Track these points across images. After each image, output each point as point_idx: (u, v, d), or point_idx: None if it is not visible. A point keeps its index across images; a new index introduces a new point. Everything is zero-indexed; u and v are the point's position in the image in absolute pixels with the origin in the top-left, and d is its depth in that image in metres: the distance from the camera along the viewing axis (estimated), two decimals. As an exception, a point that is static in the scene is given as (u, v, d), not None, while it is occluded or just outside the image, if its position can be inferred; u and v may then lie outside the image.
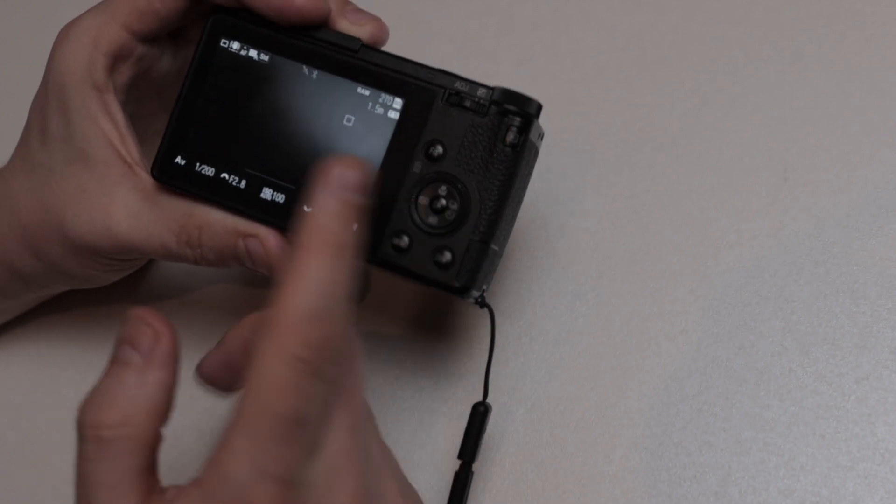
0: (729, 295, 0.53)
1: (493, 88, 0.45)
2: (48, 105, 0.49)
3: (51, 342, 0.58)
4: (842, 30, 0.58)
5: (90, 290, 0.58)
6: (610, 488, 0.51)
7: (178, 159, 0.47)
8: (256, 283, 0.58)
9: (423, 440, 0.54)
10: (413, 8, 0.61)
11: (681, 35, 0.59)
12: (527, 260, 0.56)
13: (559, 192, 0.56)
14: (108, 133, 0.48)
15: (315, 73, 0.46)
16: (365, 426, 0.41)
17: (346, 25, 0.47)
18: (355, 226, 0.38)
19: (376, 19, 0.48)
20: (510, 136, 0.45)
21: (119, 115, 0.49)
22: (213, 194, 0.47)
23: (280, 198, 0.46)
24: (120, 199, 0.48)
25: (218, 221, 0.48)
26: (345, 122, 0.46)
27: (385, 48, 0.47)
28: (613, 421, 0.52)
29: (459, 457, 0.51)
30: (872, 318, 0.52)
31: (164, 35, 0.50)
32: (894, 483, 0.50)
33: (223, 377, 0.42)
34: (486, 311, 0.49)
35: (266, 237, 0.47)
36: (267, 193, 0.46)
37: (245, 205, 0.47)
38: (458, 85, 0.45)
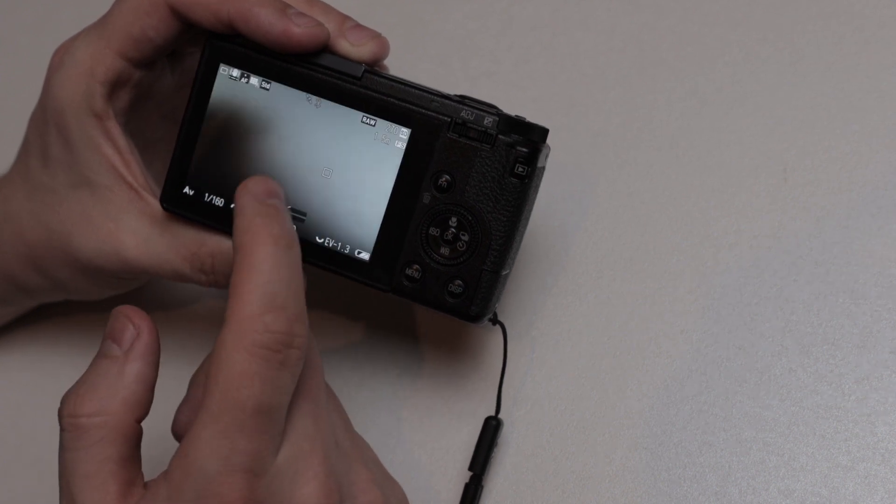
0: (729, 295, 0.54)
1: (498, 116, 0.45)
2: (48, 130, 0.49)
3: (51, 343, 0.58)
4: (841, 30, 0.58)
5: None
6: (610, 488, 0.51)
7: (187, 189, 0.47)
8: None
9: (430, 447, 0.54)
10: (413, 8, 0.61)
11: (680, 35, 0.59)
12: (526, 260, 0.56)
13: (559, 192, 0.56)
14: (111, 159, 0.48)
15: (319, 102, 0.46)
16: (330, 415, 0.42)
17: (347, 47, 0.46)
18: (287, 222, 0.39)
19: (377, 37, 0.47)
20: (518, 168, 0.45)
21: (122, 141, 0.49)
22: (224, 225, 0.47)
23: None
24: (128, 225, 0.48)
25: (230, 250, 0.47)
26: (350, 151, 0.46)
27: (394, 76, 0.47)
28: (613, 421, 0.52)
29: (470, 468, 0.51)
30: (872, 318, 0.52)
31: (161, 58, 0.49)
32: (894, 483, 0.50)
33: None
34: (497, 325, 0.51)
35: None
36: None
37: None
38: (463, 114, 0.45)
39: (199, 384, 0.42)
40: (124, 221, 0.48)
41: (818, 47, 0.57)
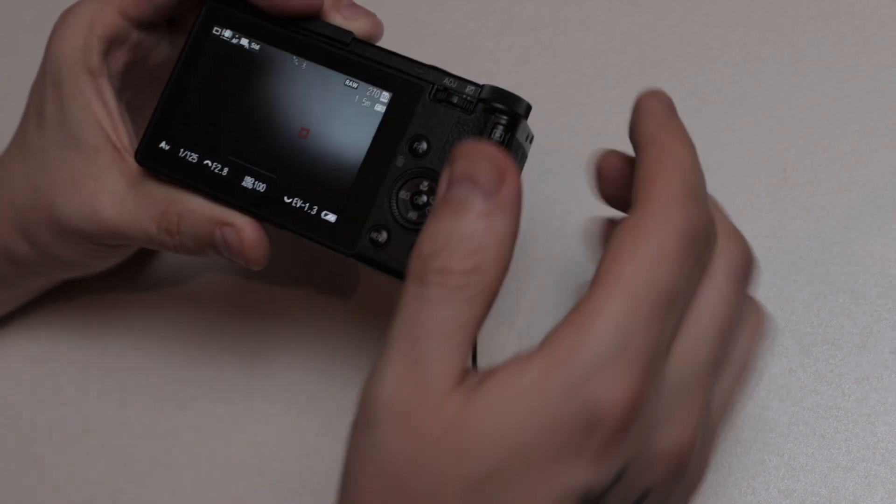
0: (729, 295, 0.54)
1: (482, 86, 0.45)
2: (44, 89, 0.49)
3: (51, 343, 0.58)
4: (841, 30, 0.58)
5: (87, 285, 0.58)
6: (610, 488, 0.51)
7: (163, 144, 0.47)
8: (253, 275, 0.58)
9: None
10: (412, 8, 0.61)
11: (680, 35, 0.59)
12: (526, 260, 0.56)
13: (558, 192, 0.56)
14: (100, 118, 0.49)
15: (304, 64, 0.46)
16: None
17: (340, 20, 0.47)
18: None
19: (370, 15, 0.48)
20: (496, 134, 0.44)
21: (112, 101, 0.49)
22: (195, 180, 0.47)
23: (261, 187, 0.46)
24: (107, 185, 0.49)
25: (197, 209, 0.47)
26: (330, 113, 0.46)
27: (382, 46, 0.47)
28: (613, 421, 0.52)
29: None
30: (872, 318, 0.52)
31: (160, 22, 0.50)
32: (894, 483, 0.50)
33: (616, 183, 0.41)
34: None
35: (243, 227, 0.47)
36: (248, 182, 0.46)
37: (226, 192, 0.46)
38: (446, 81, 0.45)
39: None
40: (105, 182, 0.49)
41: (818, 47, 0.57)
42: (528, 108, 0.45)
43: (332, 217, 0.45)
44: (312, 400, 0.55)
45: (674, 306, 0.35)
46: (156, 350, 0.57)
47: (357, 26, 0.47)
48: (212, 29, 0.47)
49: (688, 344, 0.37)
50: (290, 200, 0.46)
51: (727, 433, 0.51)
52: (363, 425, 0.36)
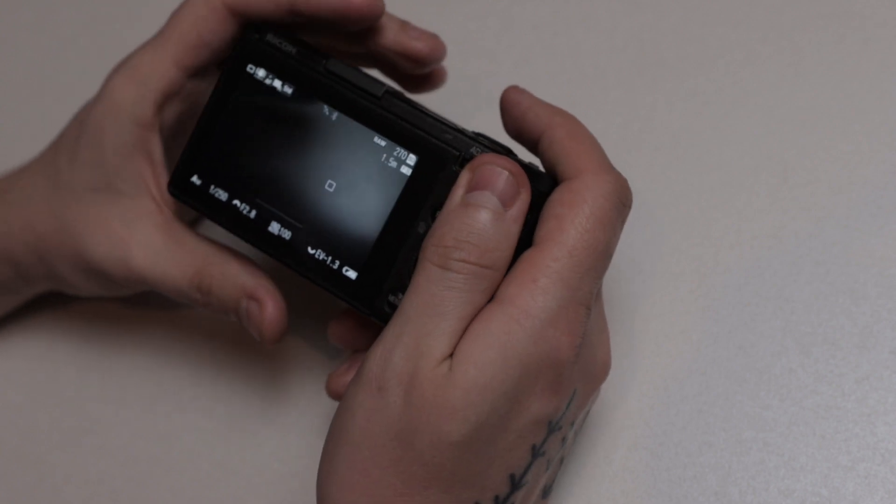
0: (729, 295, 0.54)
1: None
2: (84, 131, 0.49)
3: (51, 344, 0.58)
4: (841, 30, 0.58)
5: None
6: (610, 488, 0.51)
7: (195, 178, 0.47)
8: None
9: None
10: (412, 8, 0.61)
11: (680, 35, 0.59)
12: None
13: (559, 192, 0.56)
14: (141, 170, 0.49)
15: (335, 115, 0.45)
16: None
17: (405, 38, 0.49)
18: None
19: (434, 37, 0.50)
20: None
21: (158, 154, 0.49)
22: (223, 218, 0.47)
23: (286, 234, 0.46)
24: (141, 235, 0.49)
25: (232, 275, 0.48)
26: (357, 169, 0.45)
27: (415, 101, 0.47)
28: (613, 421, 0.52)
29: None
30: (872, 318, 0.52)
31: (213, 66, 0.50)
32: (894, 483, 0.50)
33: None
34: None
35: (266, 304, 0.48)
36: (274, 228, 0.46)
37: (252, 234, 0.46)
38: (473, 150, 0.44)
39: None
40: (138, 231, 0.49)
41: (818, 47, 0.57)
42: (554, 184, 0.44)
43: (352, 274, 0.45)
44: (312, 400, 0.55)
45: (607, 259, 0.43)
46: (156, 350, 0.57)
47: (420, 45, 0.49)
48: (246, 66, 0.46)
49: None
50: (313, 252, 0.46)
51: (727, 433, 0.51)
52: (372, 388, 0.41)
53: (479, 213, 0.42)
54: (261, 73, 0.46)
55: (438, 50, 0.50)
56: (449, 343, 0.41)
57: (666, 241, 0.55)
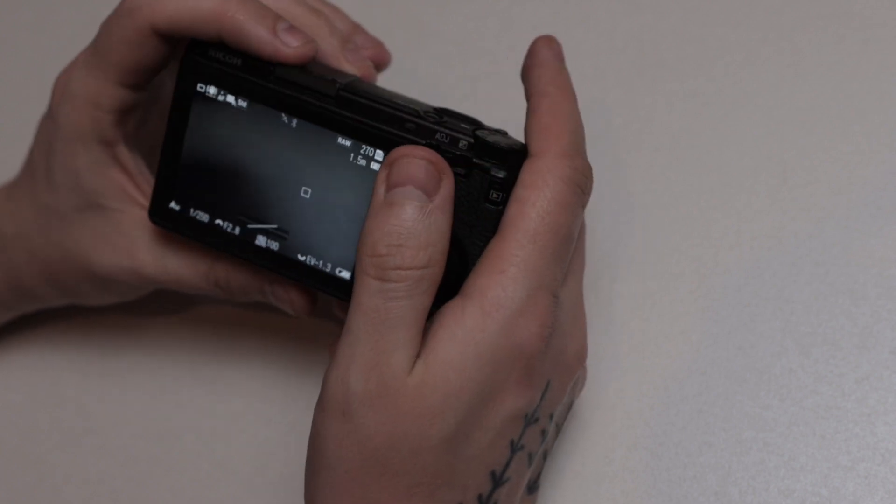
0: (729, 295, 0.54)
1: (474, 138, 0.43)
2: (53, 157, 0.49)
3: (51, 344, 0.58)
4: (841, 31, 0.58)
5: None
6: (610, 488, 0.51)
7: (173, 204, 0.47)
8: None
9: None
10: (412, 9, 0.61)
11: (680, 36, 0.59)
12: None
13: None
14: (120, 183, 0.48)
15: (294, 122, 0.45)
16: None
17: (345, 65, 0.47)
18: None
19: (377, 48, 0.50)
20: (493, 195, 0.43)
21: (131, 163, 0.49)
22: (209, 239, 0.47)
23: (274, 245, 0.46)
24: (142, 243, 0.49)
25: (242, 266, 0.48)
26: (328, 172, 0.45)
27: (373, 88, 0.46)
28: (613, 421, 0.52)
29: None
30: (872, 318, 0.52)
31: (164, 68, 0.48)
32: (894, 483, 0.50)
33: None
34: None
35: (288, 284, 0.48)
36: (261, 241, 0.46)
37: (242, 250, 0.46)
38: (438, 136, 0.43)
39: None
40: (138, 239, 0.49)
41: (818, 47, 0.57)
42: (523, 156, 0.43)
43: (346, 274, 0.45)
44: (312, 400, 0.55)
45: (570, 243, 0.42)
46: (155, 350, 0.57)
47: (357, 70, 0.47)
48: (196, 85, 0.45)
49: (570, 264, 0.44)
50: (303, 258, 0.45)
51: (727, 433, 0.51)
52: (337, 413, 0.41)
53: (403, 211, 0.41)
54: (212, 90, 0.45)
55: (374, 68, 0.49)
56: (409, 354, 0.40)
57: (666, 241, 0.55)
